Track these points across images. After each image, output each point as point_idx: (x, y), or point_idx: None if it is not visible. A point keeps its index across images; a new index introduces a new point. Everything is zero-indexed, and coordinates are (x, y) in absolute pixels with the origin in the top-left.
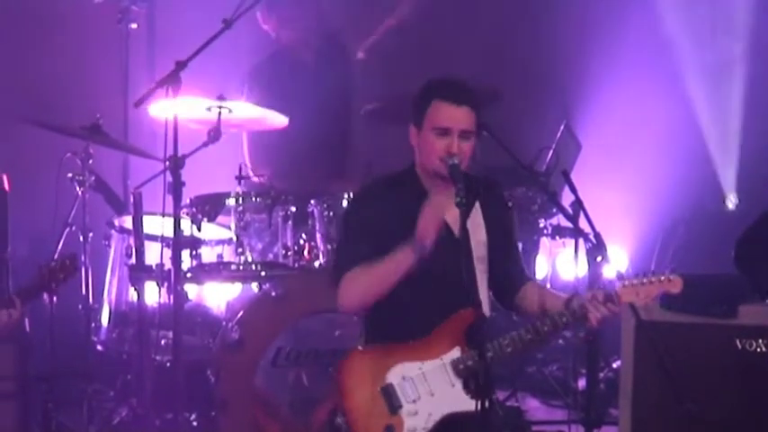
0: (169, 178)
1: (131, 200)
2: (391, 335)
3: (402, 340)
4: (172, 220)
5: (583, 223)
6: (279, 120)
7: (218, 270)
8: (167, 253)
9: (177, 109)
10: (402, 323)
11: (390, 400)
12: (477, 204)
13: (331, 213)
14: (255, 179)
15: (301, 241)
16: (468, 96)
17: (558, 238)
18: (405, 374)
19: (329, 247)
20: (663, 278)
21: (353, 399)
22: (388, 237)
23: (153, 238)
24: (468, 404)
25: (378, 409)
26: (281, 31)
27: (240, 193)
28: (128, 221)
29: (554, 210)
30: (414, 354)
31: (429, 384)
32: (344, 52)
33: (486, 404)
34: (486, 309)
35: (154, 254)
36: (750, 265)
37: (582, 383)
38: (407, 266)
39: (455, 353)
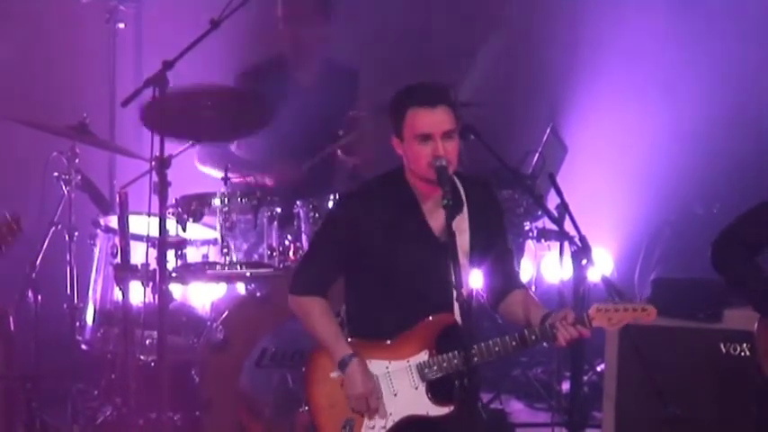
0: (155, 178)
1: (117, 199)
2: (372, 333)
3: (379, 338)
4: (157, 219)
5: (568, 226)
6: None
7: (204, 270)
8: (153, 253)
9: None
10: (382, 323)
11: None
12: (465, 209)
13: (317, 214)
14: (206, 170)
15: (287, 242)
16: (440, 96)
17: (543, 240)
18: (371, 372)
19: None
20: (638, 307)
21: (318, 390)
22: (372, 242)
23: (138, 237)
24: (428, 408)
25: (340, 402)
26: (295, 29)
27: (226, 193)
28: (113, 221)
29: (539, 213)
30: (383, 353)
31: (393, 385)
32: (350, 79)
33: (451, 409)
34: (458, 315)
35: (139, 253)
36: (726, 265)
37: (566, 386)
38: (328, 351)
39: (422, 356)
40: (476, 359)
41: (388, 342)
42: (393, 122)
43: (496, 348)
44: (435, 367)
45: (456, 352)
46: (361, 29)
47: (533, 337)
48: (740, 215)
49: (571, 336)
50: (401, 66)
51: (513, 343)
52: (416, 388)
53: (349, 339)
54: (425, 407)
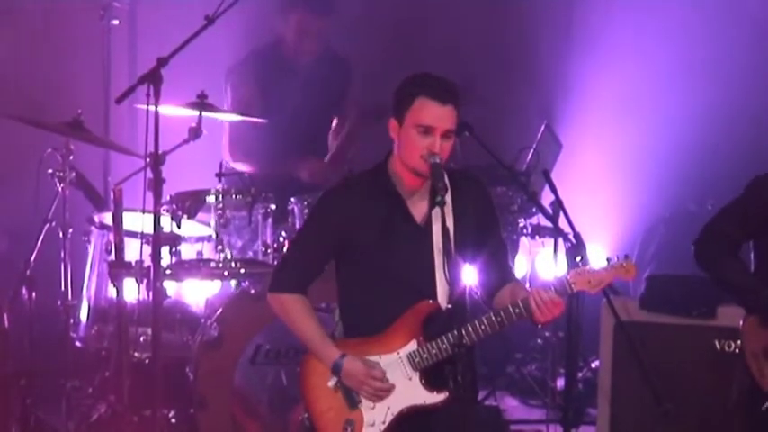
0: (149, 175)
1: (112, 196)
2: (364, 328)
3: (371, 334)
4: (152, 216)
5: (563, 223)
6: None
7: (198, 267)
8: (147, 250)
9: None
10: (373, 318)
11: (350, 394)
12: (449, 199)
13: None
14: (240, 167)
15: (281, 239)
16: (452, 95)
17: (537, 237)
18: (366, 360)
19: None
20: (616, 264)
21: (315, 394)
22: (356, 235)
23: (133, 234)
24: (425, 396)
25: (338, 403)
26: (298, 32)
27: (220, 190)
28: (108, 218)
29: (534, 209)
30: (374, 348)
31: (387, 378)
32: (344, 66)
33: (447, 395)
34: (443, 301)
35: (133, 250)
36: (709, 262)
37: (560, 383)
38: (314, 353)
39: (411, 346)
40: (465, 341)
41: (377, 336)
42: (397, 104)
43: (483, 327)
44: (426, 355)
45: (444, 337)
46: (352, 23)
47: (517, 311)
48: (719, 211)
49: (542, 299)
50: (392, 61)
51: (498, 319)
52: (410, 378)
53: (339, 340)
54: (422, 396)
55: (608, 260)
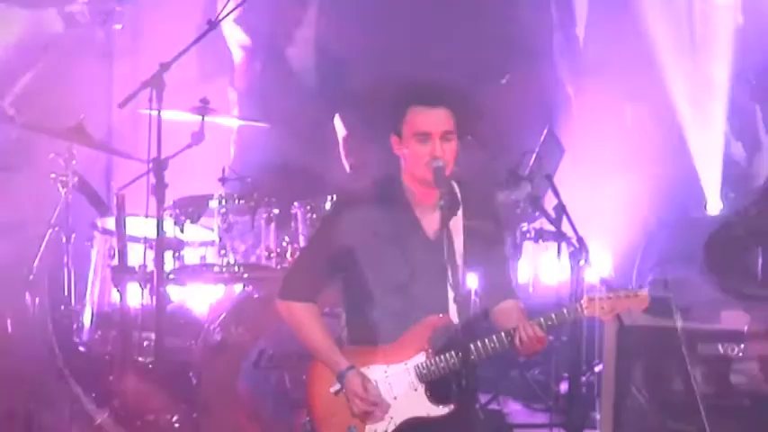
0: (152, 180)
1: (114, 201)
2: (369, 336)
3: (377, 343)
4: (155, 221)
5: (566, 227)
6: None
7: (201, 272)
8: (150, 254)
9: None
10: (380, 327)
11: None
12: (460, 212)
13: (314, 216)
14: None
15: (284, 243)
16: (442, 96)
17: (540, 241)
18: (369, 377)
19: None
20: (630, 294)
21: (319, 398)
22: (365, 245)
23: (136, 239)
24: (429, 409)
25: (341, 409)
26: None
27: (223, 195)
28: (111, 223)
29: (537, 213)
30: (381, 357)
31: (392, 388)
32: None
33: (451, 408)
34: (454, 315)
35: (137, 255)
36: (719, 267)
37: (564, 387)
38: (323, 362)
39: (419, 358)
40: (473, 357)
41: (385, 346)
42: (393, 120)
43: (492, 345)
44: (433, 368)
45: (453, 352)
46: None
47: (509, 339)
48: (729, 216)
49: (527, 334)
50: (392, 63)
51: (509, 338)
52: (416, 390)
53: (347, 347)
54: (425, 408)
55: (622, 289)
